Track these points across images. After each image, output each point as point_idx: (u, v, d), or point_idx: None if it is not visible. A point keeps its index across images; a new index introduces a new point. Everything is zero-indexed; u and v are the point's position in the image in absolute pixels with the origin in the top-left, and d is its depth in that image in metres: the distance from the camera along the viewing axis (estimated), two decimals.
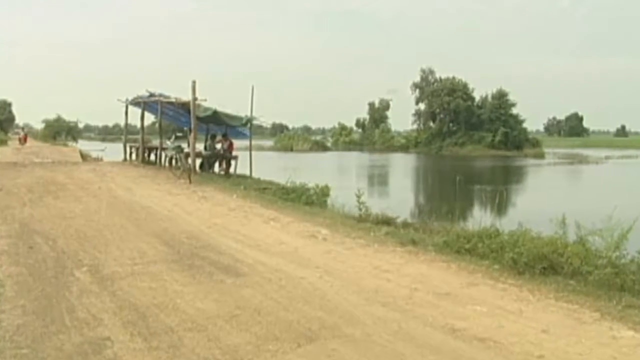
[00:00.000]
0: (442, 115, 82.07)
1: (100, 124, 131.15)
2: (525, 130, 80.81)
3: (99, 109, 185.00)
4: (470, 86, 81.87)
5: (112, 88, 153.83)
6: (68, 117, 59.39)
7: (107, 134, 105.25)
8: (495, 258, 7.06)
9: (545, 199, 23.36)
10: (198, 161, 19.82)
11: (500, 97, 78.90)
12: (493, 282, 6.32)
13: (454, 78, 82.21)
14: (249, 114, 19.94)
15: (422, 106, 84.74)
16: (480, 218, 9.15)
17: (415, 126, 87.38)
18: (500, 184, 29.15)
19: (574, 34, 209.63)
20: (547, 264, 6.53)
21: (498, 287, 6.12)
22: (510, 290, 6.00)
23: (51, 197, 12.39)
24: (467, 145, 76.45)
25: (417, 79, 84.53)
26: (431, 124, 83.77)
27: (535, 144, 78.20)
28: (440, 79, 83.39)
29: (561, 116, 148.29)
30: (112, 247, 7.60)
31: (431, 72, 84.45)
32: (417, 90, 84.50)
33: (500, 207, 11.63)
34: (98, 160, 26.62)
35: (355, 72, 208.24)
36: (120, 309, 5.11)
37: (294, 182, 15.36)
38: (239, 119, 20.18)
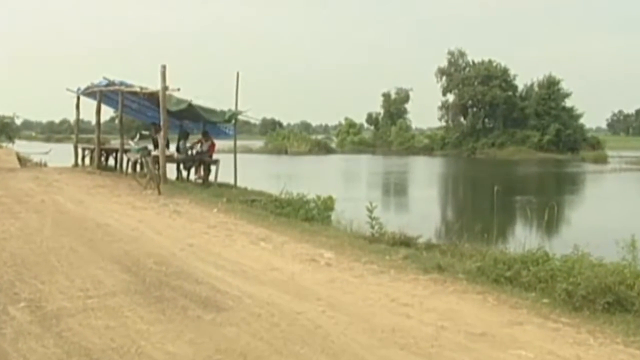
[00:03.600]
0: (475, 109, 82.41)
1: (44, 119, 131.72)
2: (582, 127, 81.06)
3: (42, 100, 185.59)
4: (512, 72, 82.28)
5: (60, 74, 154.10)
6: (1, 110, 59.37)
7: (52, 132, 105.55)
8: (544, 289, 7.03)
9: (609, 216, 23.31)
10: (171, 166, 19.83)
11: (550, 86, 79.10)
12: (542, 320, 6.29)
13: (490, 62, 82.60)
14: (232, 107, 19.97)
15: (450, 98, 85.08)
16: (524, 238, 9.13)
17: (441, 123, 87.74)
18: (550, 196, 29.08)
19: None
20: (612, 298, 6.48)
21: (548, 327, 6.08)
22: (564, 331, 5.96)
23: None
24: (507, 146, 76.63)
25: (444, 63, 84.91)
26: (462, 119, 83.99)
27: (596, 144, 78.30)
28: (473, 63, 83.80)
29: (630, 109, 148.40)
30: (58, 276, 7.57)
31: (461, 54, 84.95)
32: (444, 78, 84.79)
33: (550, 224, 11.58)
34: (41, 165, 26.57)
35: (367, 56, 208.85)
36: (67, 356, 5.07)
37: (290, 192, 15.37)
38: (221, 113, 20.19)
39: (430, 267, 8.36)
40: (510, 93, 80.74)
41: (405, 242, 10.44)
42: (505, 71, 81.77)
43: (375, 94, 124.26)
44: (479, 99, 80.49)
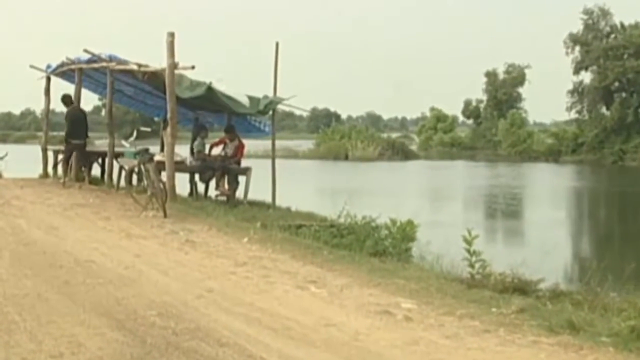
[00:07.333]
0: (624, 94, 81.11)
1: None
2: None
3: None
4: None
5: (22, 48, 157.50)
6: None
7: (10, 128, 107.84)
8: None
9: None
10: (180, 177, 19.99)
11: None
12: None
13: None
14: (269, 93, 20.08)
15: (585, 78, 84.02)
16: None
17: (572, 114, 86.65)
18: None
19: None
20: None
21: None
22: None
23: None
24: None
25: (578, 27, 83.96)
26: (604, 109, 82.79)
27: None
28: (622, 27, 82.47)
29: None
30: (20, 335, 7.62)
31: (604, 14, 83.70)
32: (577, 49, 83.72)
33: None
34: None
35: (461, 20, 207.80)
36: None
37: (352, 215, 15.38)
38: (253, 102, 20.26)
39: (558, 325, 8.25)
40: None
41: (521, 287, 10.35)
42: None
43: (476, 74, 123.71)
44: (629, 80, 79.21)
